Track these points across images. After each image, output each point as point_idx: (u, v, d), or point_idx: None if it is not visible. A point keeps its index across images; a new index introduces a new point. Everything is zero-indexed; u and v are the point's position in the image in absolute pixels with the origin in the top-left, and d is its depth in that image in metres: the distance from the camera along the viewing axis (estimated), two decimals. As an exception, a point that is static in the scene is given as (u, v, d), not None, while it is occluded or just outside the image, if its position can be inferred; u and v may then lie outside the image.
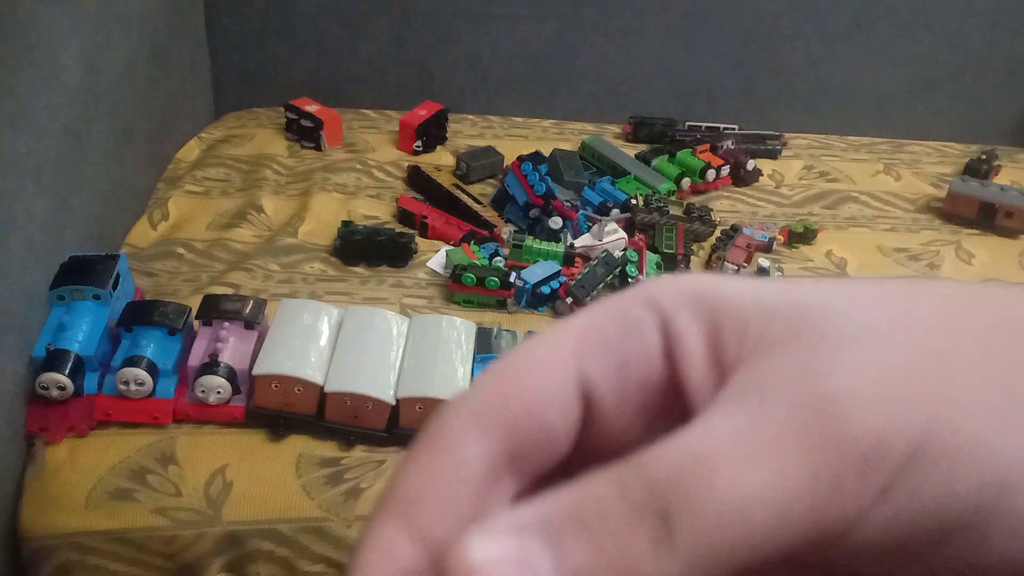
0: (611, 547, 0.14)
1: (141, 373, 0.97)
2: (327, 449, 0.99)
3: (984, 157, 1.75)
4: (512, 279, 1.21)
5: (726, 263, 1.37)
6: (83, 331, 0.99)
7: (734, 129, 1.76)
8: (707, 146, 1.65)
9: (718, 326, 0.17)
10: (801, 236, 1.49)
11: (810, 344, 0.16)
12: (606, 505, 0.14)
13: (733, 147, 1.67)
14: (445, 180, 1.49)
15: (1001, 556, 0.15)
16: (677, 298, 0.17)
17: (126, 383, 0.97)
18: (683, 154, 1.63)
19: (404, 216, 1.41)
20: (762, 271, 1.38)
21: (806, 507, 0.14)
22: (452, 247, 1.35)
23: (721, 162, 1.62)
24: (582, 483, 0.15)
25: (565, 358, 0.17)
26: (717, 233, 1.47)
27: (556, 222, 1.37)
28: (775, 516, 0.14)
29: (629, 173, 1.58)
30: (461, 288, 1.22)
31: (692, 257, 1.40)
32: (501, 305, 1.23)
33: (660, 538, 0.14)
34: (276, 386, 0.98)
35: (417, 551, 0.16)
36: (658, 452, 0.15)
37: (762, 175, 1.68)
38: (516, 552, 0.14)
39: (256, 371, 0.98)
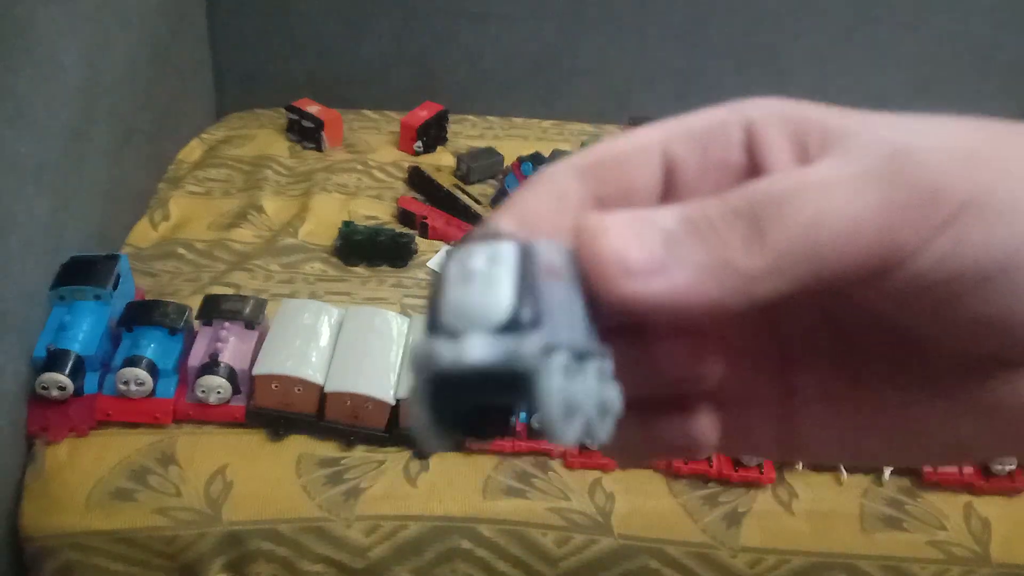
0: (714, 242, 0.17)
1: (141, 373, 0.97)
2: (327, 449, 0.99)
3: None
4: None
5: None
6: (83, 331, 0.99)
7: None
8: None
9: (805, 130, 0.19)
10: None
11: (892, 132, 0.18)
12: (712, 210, 0.18)
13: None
14: (445, 181, 1.49)
15: (1010, 310, 0.17)
16: (766, 107, 0.20)
17: (126, 383, 0.97)
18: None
19: (404, 216, 1.41)
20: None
21: (876, 227, 0.17)
22: (452, 247, 1.35)
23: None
24: (695, 200, 0.18)
25: (654, 138, 0.20)
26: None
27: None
28: (850, 228, 0.17)
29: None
30: (461, 288, 1.22)
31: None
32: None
33: (752, 237, 0.17)
34: (276, 386, 0.98)
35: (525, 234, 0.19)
36: (755, 182, 0.18)
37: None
38: (639, 227, 0.18)
39: (256, 371, 0.98)
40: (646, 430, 0.20)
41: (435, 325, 0.17)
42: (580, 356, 0.17)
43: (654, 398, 0.21)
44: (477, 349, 0.16)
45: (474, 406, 0.17)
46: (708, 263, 0.17)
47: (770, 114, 0.20)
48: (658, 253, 0.17)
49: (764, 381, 0.22)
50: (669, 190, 0.20)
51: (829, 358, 0.21)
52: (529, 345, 0.16)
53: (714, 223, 0.18)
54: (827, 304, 0.21)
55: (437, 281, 0.18)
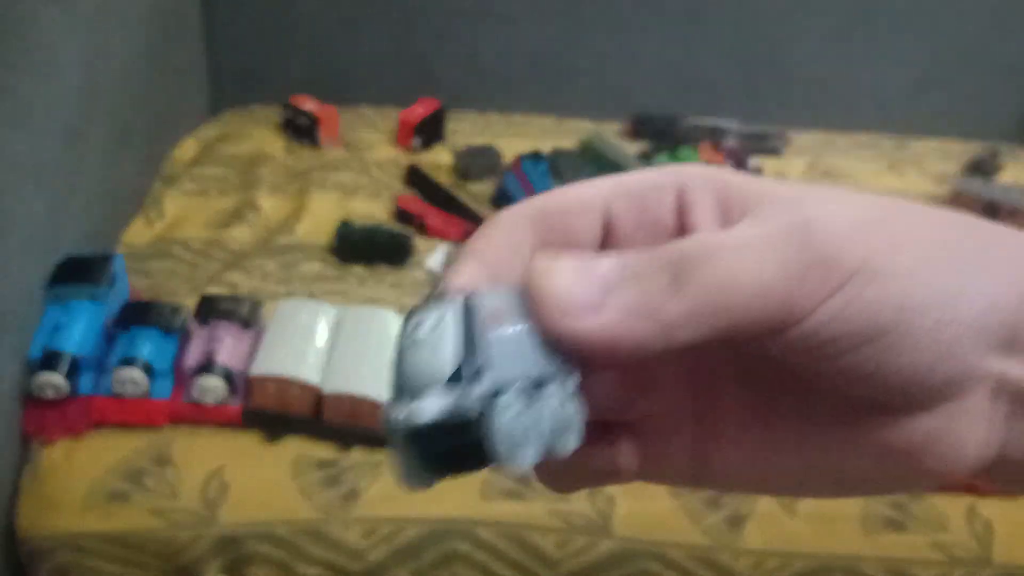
0: (642, 289, 0.20)
1: (137, 374, 0.96)
2: (325, 451, 0.99)
3: (988, 155, 1.74)
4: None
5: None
6: (79, 331, 0.98)
7: (735, 126, 1.75)
8: (709, 143, 1.64)
9: (727, 196, 0.22)
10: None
11: (801, 202, 0.21)
12: (643, 261, 0.20)
13: (735, 144, 1.66)
14: (444, 179, 1.48)
15: (901, 364, 0.19)
16: (695, 174, 0.23)
17: (122, 383, 0.96)
18: (684, 151, 1.62)
19: (402, 215, 1.40)
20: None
21: (777, 290, 0.19)
22: (451, 246, 1.34)
23: (722, 159, 1.61)
24: (629, 251, 0.21)
25: (596, 194, 0.23)
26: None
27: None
28: (756, 289, 0.19)
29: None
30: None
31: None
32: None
33: (674, 288, 0.19)
34: (273, 387, 0.97)
35: (488, 277, 0.22)
36: (682, 240, 0.20)
37: (763, 173, 1.68)
38: (580, 271, 0.20)
39: (253, 372, 0.97)
40: (573, 457, 0.21)
41: (395, 390, 0.20)
42: (537, 383, 0.19)
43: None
44: (428, 407, 0.19)
45: (443, 451, 0.19)
46: (635, 307, 0.19)
47: (700, 180, 0.23)
48: (594, 294, 0.20)
49: (682, 410, 0.24)
50: (607, 242, 0.23)
51: (740, 392, 0.24)
52: (473, 393, 0.19)
53: (643, 272, 0.20)
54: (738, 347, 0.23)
55: (396, 350, 0.20)
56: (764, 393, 0.23)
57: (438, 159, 1.58)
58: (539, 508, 0.96)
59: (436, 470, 0.20)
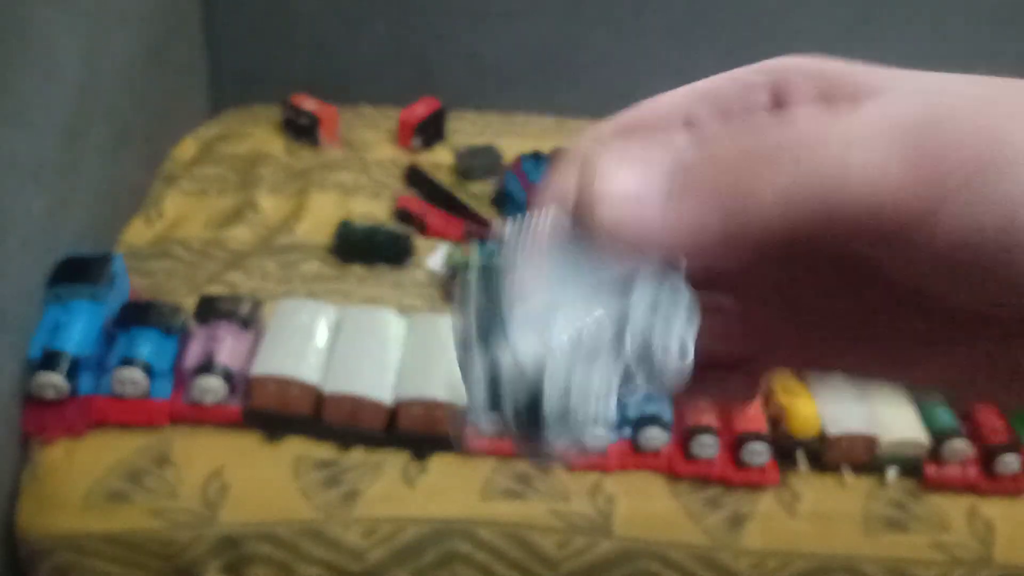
0: (726, 173, 0.17)
1: (137, 374, 0.96)
2: (325, 451, 0.99)
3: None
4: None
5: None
6: (79, 331, 0.98)
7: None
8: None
9: (832, 88, 0.20)
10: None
11: (921, 91, 0.19)
12: (725, 141, 0.18)
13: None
14: (444, 178, 1.48)
15: None
16: (791, 67, 0.21)
17: (122, 384, 0.96)
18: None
19: (402, 215, 1.40)
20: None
21: (899, 185, 0.16)
22: (451, 246, 1.34)
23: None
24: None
25: (679, 101, 0.22)
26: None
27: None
28: (872, 180, 0.16)
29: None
30: (460, 287, 1.21)
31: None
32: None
33: (766, 172, 0.17)
34: (273, 387, 0.97)
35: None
36: (778, 125, 0.18)
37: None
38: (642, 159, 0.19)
39: (253, 372, 0.97)
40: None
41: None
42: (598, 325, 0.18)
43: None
44: (482, 421, 0.18)
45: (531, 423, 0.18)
46: (717, 191, 0.17)
47: (798, 72, 0.20)
48: (659, 182, 0.18)
49: (781, 346, 0.23)
50: None
51: (836, 319, 0.22)
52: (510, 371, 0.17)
53: (726, 155, 0.18)
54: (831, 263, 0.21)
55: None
56: (866, 316, 0.21)
57: (438, 159, 1.58)
58: (539, 508, 0.96)
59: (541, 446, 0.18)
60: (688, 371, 0.18)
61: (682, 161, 0.18)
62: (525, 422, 0.17)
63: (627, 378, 0.18)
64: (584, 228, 0.18)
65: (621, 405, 0.18)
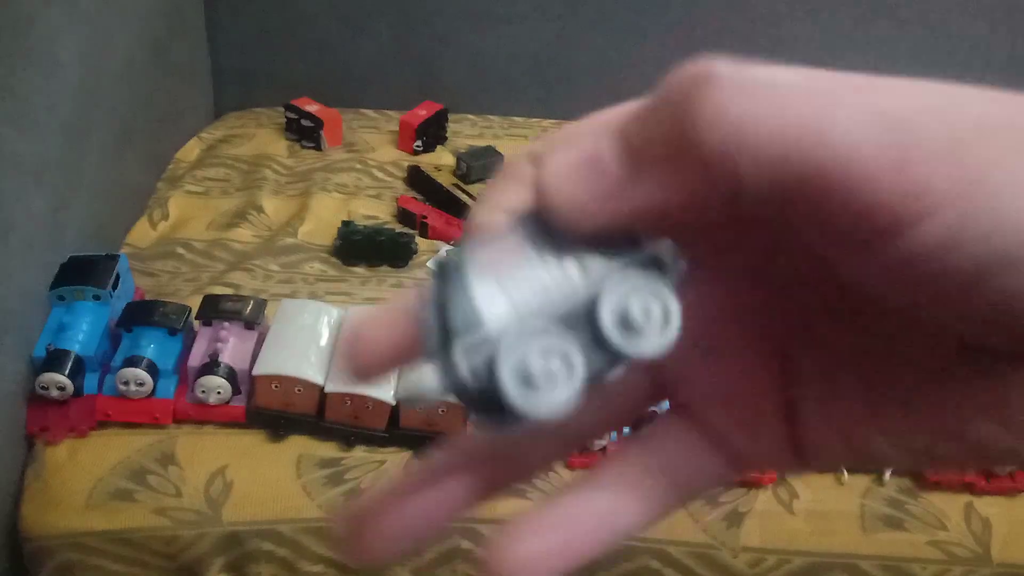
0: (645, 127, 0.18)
1: (141, 373, 0.97)
2: (327, 449, 0.99)
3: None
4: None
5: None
6: (83, 331, 0.99)
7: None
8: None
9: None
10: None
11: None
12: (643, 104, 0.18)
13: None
14: (445, 180, 1.48)
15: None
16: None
17: (126, 383, 0.97)
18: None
19: (404, 216, 1.41)
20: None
21: (876, 159, 0.15)
22: (452, 247, 1.35)
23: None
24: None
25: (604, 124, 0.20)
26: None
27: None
28: (843, 140, 0.15)
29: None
30: (461, 288, 1.22)
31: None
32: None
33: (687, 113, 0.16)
34: (276, 386, 0.98)
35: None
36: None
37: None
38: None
39: (256, 371, 0.98)
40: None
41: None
42: (563, 318, 0.17)
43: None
44: (427, 387, 0.18)
45: (486, 406, 0.18)
46: (636, 150, 0.17)
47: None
48: (607, 148, 0.18)
49: (761, 380, 0.21)
50: None
51: (830, 348, 0.20)
52: (462, 359, 0.17)
53: (644, 115, 0.18)
54: (824, 287, 0.20)
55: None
56: (860, 344, 0.20)
57: (440, 161, 1.59)
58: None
59: (497, 421, 0.18)
60: (674, 339, 0.18)
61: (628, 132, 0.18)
62: (484, 389, 0.17)
63: (599, 345, 0.18)
64: (545, 213, 0.18)
65: (600, 377, 0.18)
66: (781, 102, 0.16)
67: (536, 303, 0.18)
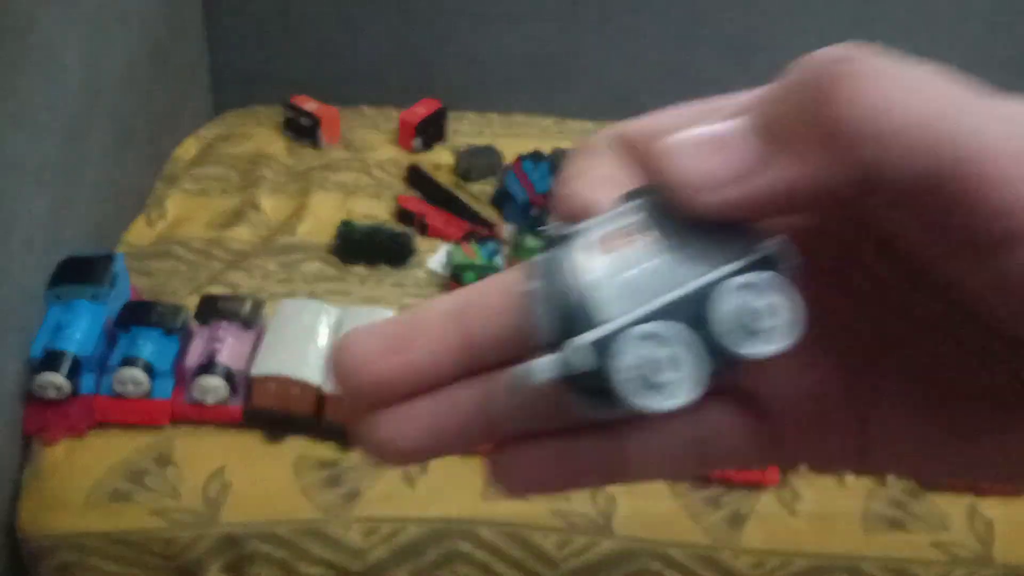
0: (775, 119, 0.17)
1: (138, 374, 0.96)
2: (326, 450, 0.99)
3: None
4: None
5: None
6: (80, 331, 0.99)
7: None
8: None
9: None
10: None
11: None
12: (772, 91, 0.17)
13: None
14: (445, 179, 1.48)
15: None
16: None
17: (123, 384, 0.96)
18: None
19: (403, 215, 1.40)
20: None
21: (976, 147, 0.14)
22: (452, 246, 1.34)
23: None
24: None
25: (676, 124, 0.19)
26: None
27: (556, 221, 1.36)
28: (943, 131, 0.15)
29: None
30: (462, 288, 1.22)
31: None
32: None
33: (812, 106, 0.16)
34: (274, 387, 0.97)
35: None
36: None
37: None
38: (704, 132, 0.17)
39: (254, 372, 0.97)
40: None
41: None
42: (670, 310, 0.17)
43: None
44: (539, 367, 0.17)
45: (590, 391, 0.17)
46: (774, 136, 0.16)
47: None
48: (722, 146, 0.17)
49: (834, 391, 0.20)
50: None
51: (908, 364, 0.20)
52: (579, 343, 0.17)
53: (776, 104, 0.17)
54: (908, 295, 0.19)
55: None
56: (941, 360, 0.19)
57: (439, 159, 1.58)
58: (540, 508, 0.96)
59: (603, 408, 0.18)
60: (792, 342, 0.17)
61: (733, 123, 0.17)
62: (594, 380, 0.17)
63: (712, 343, 0.17)
64: (663, 193, 0.18)
65: (711, 377, 0.17)
66: (923, 90, 0.15)
67: (650, 294, 0.17)
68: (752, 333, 0.17)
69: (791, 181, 0.16)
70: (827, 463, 0.21)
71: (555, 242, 0.18)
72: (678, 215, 0.17)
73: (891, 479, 1.02)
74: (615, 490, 0.98)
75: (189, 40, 1.65)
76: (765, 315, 0.17)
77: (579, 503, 0.97)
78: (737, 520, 0.98)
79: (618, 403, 0.17)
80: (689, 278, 0.17)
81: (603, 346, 0.17)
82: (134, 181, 1.40)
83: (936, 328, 0.19)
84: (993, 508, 1.01)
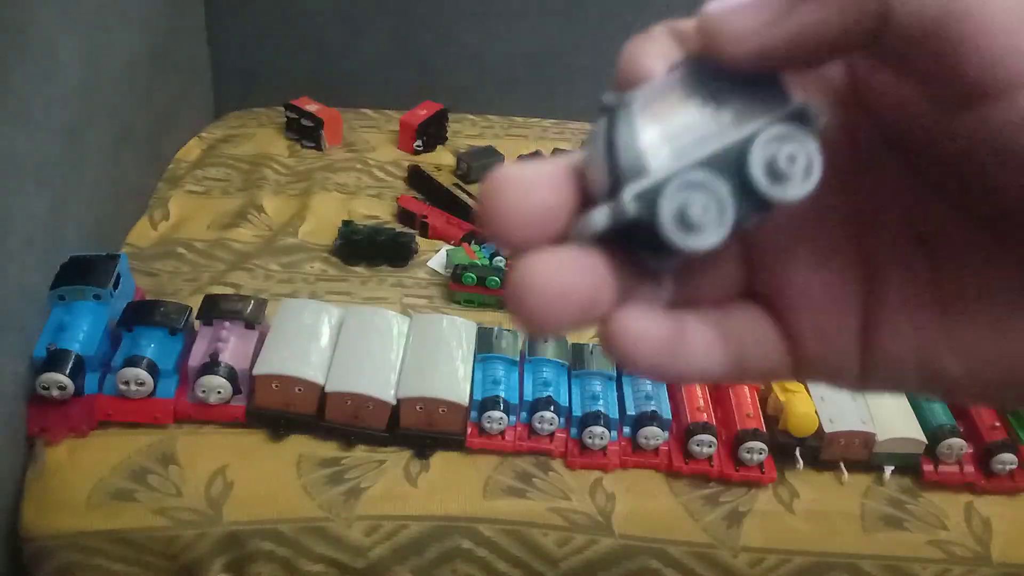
0: None
1: (142, 373, 0.97)
2: (328, 449, 0.99)
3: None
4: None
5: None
6: (83, 331, 0.99)
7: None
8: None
9: None
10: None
11: None
12: None
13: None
14: (445, 180, 1.49)
15: None
16: None
17: (126, 383, 0.97)
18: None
19: (404, 216, 1.41)
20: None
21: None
22: (453, 247, 1.35)
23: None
24: None
25: None
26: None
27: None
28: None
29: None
30: (462, 288, 1.22)
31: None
32: (502, 305, 1.23)
33: None
34: (277, 386, 0.98)
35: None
36: None
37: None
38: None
39: (257, 371, 0.98)
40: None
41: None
42: (714, 161, 0.19)
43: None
44: (595, 218, 0.19)
45: (646, 243, 0.20)
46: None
47: None
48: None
49: (846, 286, 0.22)
50: None
51: (915, 266, 0.21)
52: (629, 193, 0.19)
53: None
54: (916, 203, 0.21)
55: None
56: (947, 263, 0.20)
57: (440, 161, 1.59)
58: (540, 506, 0.97)
59: (653, 254, 0.20)
60: (814, 187, 0.19)
61: None
62: (645, 226, 0.19)
63: (748, 190, 0.19)
64: (705, 56, 0.20)
65: (746, 221, 0.19)
66: None
67: (694, 148, 0.19)
68: (780, 178, 0.19)
69: (814, 24, 0.18)
70: (832, 368, 0.22)
71: (611, 109, 0.21)
72: (720, 76, 0.20)
73: (890, 479, 1.03)
74: (614, 488, 0.99)
75: (190, 40, 1.65)
76: (792, 162, 0.19)
77: (579, 501, 0.97)
78: (735, 518, 0.98)
79: (664, 248, 0.19)
80: (727, 133, 0.19)
81: (648, 195, 0.19)
82: (135, 182, 1.40)
83: (936, 234, 0.21)
84: (991, 506, 1.02)
